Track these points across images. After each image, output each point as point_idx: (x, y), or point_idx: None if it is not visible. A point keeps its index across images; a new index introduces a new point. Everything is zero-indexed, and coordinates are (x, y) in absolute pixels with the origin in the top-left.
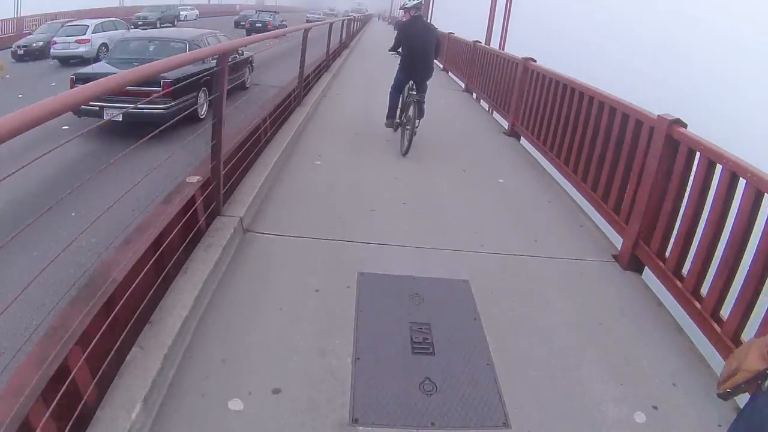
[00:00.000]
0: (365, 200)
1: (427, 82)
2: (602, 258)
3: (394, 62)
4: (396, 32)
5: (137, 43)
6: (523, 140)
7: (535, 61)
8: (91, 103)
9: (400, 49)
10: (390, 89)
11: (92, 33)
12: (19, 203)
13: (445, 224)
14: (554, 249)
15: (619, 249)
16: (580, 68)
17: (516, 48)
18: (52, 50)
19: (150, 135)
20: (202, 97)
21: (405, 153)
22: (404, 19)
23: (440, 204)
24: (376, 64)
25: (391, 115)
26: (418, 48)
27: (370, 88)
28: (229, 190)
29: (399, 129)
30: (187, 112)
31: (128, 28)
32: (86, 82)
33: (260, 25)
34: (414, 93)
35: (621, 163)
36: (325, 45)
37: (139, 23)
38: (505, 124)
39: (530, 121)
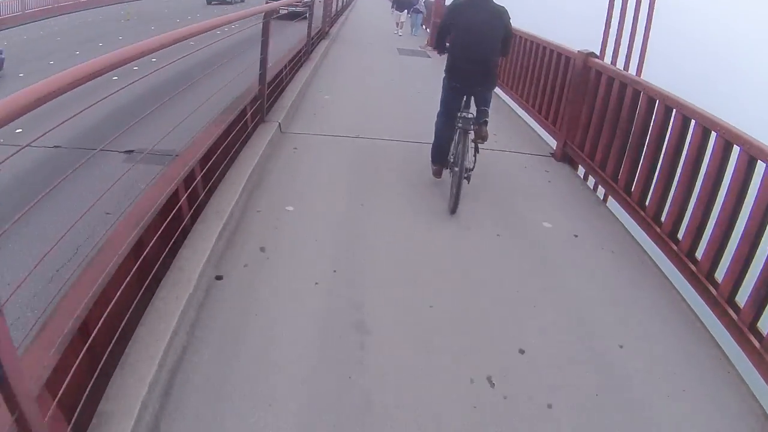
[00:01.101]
0: None
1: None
2: None
3: (409, 75)
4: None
5: None
6: None
7: None
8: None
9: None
10: (436, 116)
11: None
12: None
13: None
14: None
15: None
16: None
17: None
18: None
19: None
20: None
21: (453, 210)
22: None
23: None
24: (377, 82)
25: (437, 156)
26: (474, 40)
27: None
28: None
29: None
30: (307, 14)
31: None
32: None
33: None
34: (468, 116)
35: None
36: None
37: None
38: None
39: None
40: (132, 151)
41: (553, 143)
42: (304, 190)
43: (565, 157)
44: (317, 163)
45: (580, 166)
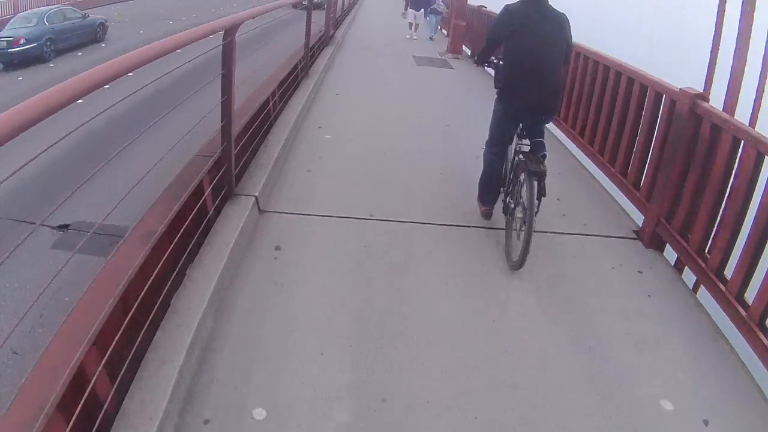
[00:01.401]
0: None
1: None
2: None
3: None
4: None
5: None
6: None
7: None
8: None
9: (495, 60)
10: (485, 145)
11: None
12: None
13: None
14: None
15: None
16: None
17: None
18: None
19: None
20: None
21: (518, 266)
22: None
23: None
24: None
25: (487, 194)
26: (532, 54)
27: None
28: None
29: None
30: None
31: None
32: None
33: None
34: (526, 146)
35: None
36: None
37: None
38: None
39: None
40: (67, 226)
41: (636, 215)
42: (285, 361)
43: (656, 240)
44: (308, 290)
45: (668, 246)
